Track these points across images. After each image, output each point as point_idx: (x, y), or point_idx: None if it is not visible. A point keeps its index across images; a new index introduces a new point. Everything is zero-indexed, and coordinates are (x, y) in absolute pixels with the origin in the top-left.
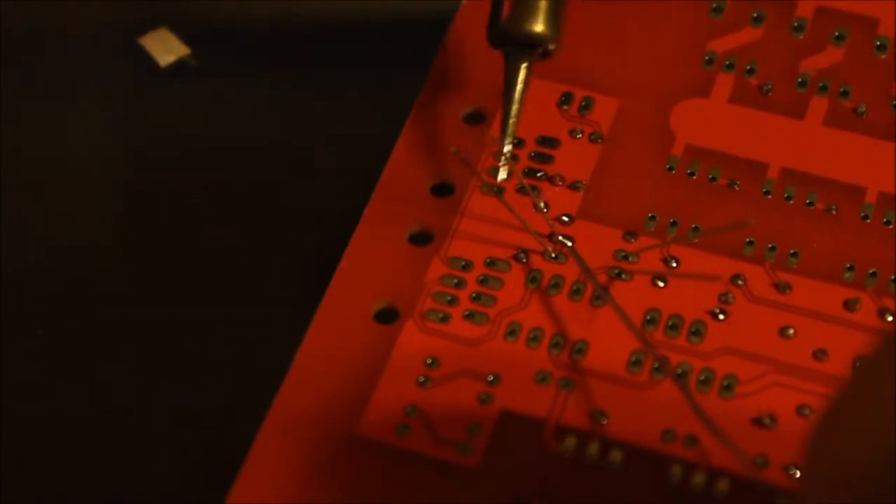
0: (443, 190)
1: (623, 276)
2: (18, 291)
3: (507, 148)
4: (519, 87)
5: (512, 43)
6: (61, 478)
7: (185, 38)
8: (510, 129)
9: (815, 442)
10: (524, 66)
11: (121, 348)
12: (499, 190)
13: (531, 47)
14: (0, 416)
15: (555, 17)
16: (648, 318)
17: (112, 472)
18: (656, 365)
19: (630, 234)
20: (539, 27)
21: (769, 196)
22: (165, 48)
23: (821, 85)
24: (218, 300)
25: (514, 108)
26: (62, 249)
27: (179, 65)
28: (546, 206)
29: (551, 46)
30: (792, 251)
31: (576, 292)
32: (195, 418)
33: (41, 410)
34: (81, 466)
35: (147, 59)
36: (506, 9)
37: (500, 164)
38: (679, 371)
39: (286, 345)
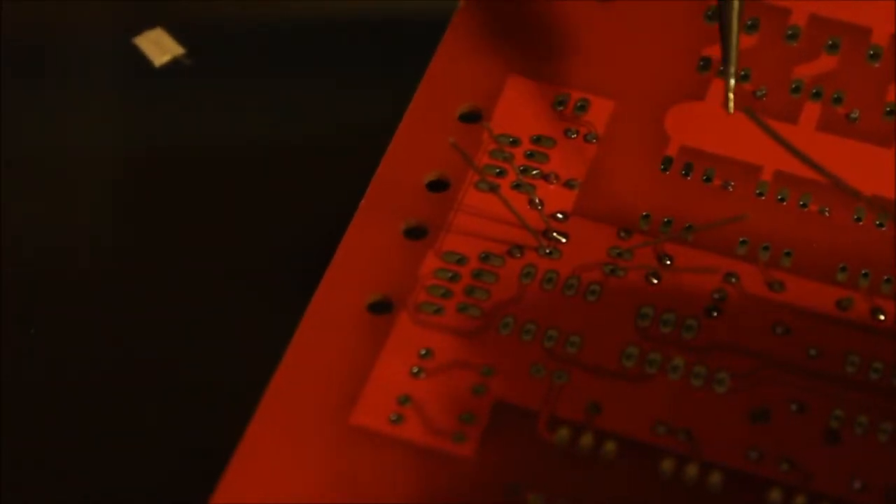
0: (438, 186)
1: (617, 272)
2: (15, 291)
3: (733, 77)
4: (735, 7)
5: None
6: (59, 476)
7: (180, 38)
8: (733, 55)
9: None
10: None
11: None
12: (494, 187)
13: None
14: (0, 416)
15: None
16: (642, 313)
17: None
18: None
19: (624, 232)
20: None
21: (763, 197)
22: (160, 48)
23: (814, 91)
24: (214, 296)
25: (734, 32)
26: (58, 249)
27: (174, 65)
28: (541, 203)
29: None
30: (785, 251)
31: (569, 287)
32: (192, 414)
33: (39, 409)
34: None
35: (141, 60)
36: None
37: (730, 93)
38: (672, 366)
39: (280, 338)
